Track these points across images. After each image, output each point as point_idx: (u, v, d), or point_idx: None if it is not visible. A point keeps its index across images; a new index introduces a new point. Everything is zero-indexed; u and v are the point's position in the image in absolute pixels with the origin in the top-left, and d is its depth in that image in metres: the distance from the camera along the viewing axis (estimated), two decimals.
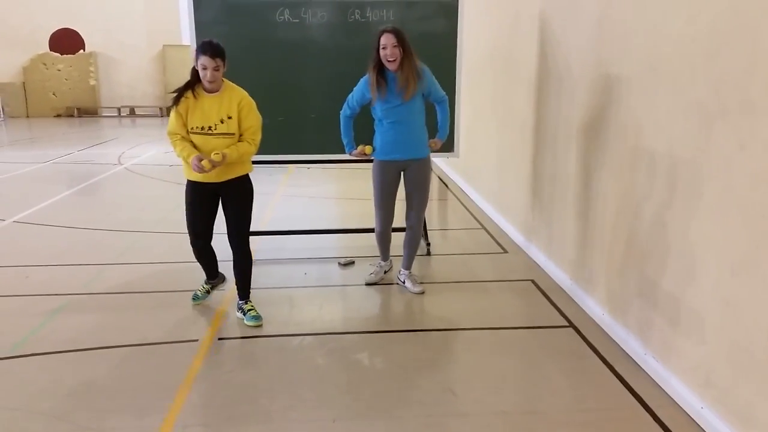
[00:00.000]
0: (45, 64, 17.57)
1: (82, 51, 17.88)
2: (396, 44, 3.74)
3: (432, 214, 6.65)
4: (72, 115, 17.64)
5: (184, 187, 3.71)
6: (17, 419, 2.74)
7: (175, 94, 3.52)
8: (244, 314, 3.75)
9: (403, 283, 4.34)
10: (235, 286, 3.84)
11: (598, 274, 3.75)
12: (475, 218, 6.39)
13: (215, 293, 4.15)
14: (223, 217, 3.71)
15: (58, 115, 17.65)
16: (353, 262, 4.86)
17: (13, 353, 3.36)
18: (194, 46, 4.54)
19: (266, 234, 5.28)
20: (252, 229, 3.83)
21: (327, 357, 3.35)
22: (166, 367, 3.22)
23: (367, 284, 4.36)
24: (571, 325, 3.73)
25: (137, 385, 3.04)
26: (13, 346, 3.43)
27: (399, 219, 4.29)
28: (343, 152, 4.20)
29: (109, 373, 3.15)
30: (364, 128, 4.09)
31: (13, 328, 3.66)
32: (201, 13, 4.69)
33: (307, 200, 7.39)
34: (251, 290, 3.85)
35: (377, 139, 4.04)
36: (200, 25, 4.66)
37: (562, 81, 4.30)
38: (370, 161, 4.14)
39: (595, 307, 3.76)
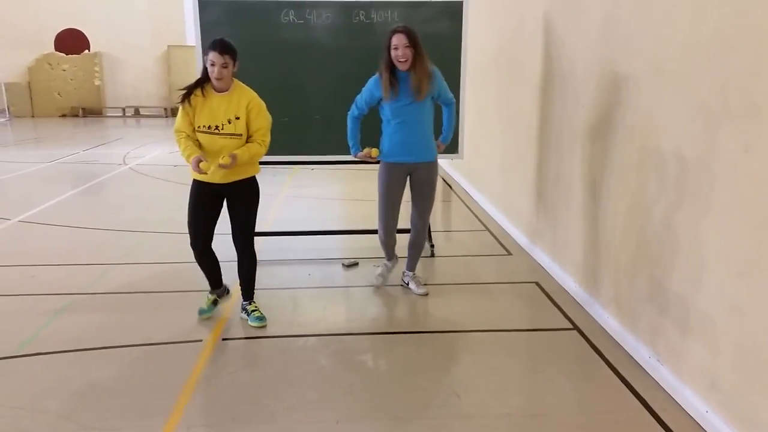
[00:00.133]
0: (50, 64, 17.62)
1: (87, 51, 17.93)
2: (408, 44, 3.70)
3: (436, 215, 6.65)
4: (77, 115, 17.69)
5: (189, 187, 3.70)
6: (22, 418, 2.75)
7: (184, 91, 3.49)
8: (248, 315, 3.75)
9: (407, 284, 4.33)
10: (240, 287, 3.84)
11: (602, 276, 3.74)
12: (479, 220, 6.39)
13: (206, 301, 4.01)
14: (227, 218, 3.69)
15: (63, 115, 17.70)
16: (357, 264, 4.86)
17: (18, 352, 3.37)
18: (200, 46, 4.57)
19: (270, 235, 5.29)
20: (256, 229, 3.80)
21: (331, 358, 3.35)
22: (171, 368, 3.23)
23: (375, 286, 4.34)
24: (576, 327, 3.72)
25: (141, 385, 3.04)
26: (17, 346, 3.44)
27: (404, 220, 4.29)
28: (347, 153, 4.14)
29: (113, 373, 3.16)
30: (370, 130, 4.06)
31: (18, 328, 3.68)
32: (206, 13, 4.70)
33: (311, 201, 7.39)
34: (255, 291, 3.86)
35: (385, 140, 3.98)
36: (205, 25, 4.67)
37: (567, 82, 4.29)
38: (377, 163, 4.10)
39: (599, 310, 3.76)
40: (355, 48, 4.80)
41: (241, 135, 3.49)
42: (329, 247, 5.31)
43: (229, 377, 3.14)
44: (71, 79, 17.74)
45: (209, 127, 3.47)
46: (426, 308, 4.09)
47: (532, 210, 5.11)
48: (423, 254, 4.46)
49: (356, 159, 4.14)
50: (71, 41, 17.83)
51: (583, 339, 3.57)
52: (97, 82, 17.94)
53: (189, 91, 3.48)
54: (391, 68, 3.79)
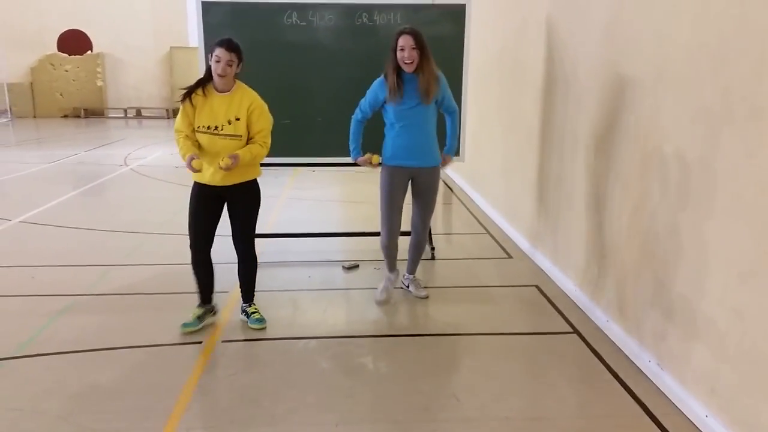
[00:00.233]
0: (52, 65, 17.64)
1: (89, 52, 17.95)
2: (414, 46, 3.65)
3: (437, 218, 6.65)
4: (79, 116, 17.70)
5: (190, 188, 3.69)
6: (21, 419, 2.75)
7: (185, 91, 3.47)
8: (248, 317, 3.74)
9: (408, 287, 4.33)
10: (240, 289, 3.84)
11: (603, 280, 3.74)
12: (479, 223, 6.38)
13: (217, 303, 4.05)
14: (228, 220, 3.68)
15: (65, 116, 17.71)
16: (358, 266, 4.86)
17: (18, 353, 3.37)
18: (202, 48, 4.58)
19: (271, 237, 5.29)
20: (257, 231, 3.78)
21: (331, 360, 3.35)
22: (171, 370, 3.22)
23: (378, 303, 4.12)
24: (576, 331, 3.72)
25: (141, 386, 3.04)
26: (18, 347, 3.44)
27: (404, 223, 4.28)
28: (349, 155, 4.10)
29: (113, 374, 3.16)
30: (373, 134, 4.00)
31: (18, 329, 3.67)
32: (209, 15, 4.70)
33: (312, 203, 7.39)
34: (255, 293, 3.85)
35: (387, 144, 3.92)
36: (208, 27, 4.67)
37: (569, 85, 4.29)
38: (378, 164, 4.05)
39: (600, 314, 3.75)
40: (358, 50, 4.80)
41: (241, 136, 3.46)
42: (330, 249, 5.31)
43: (229, 379, 3.13)
44: (73, 80, 17.76)
45: (209, 128, 3.44)
46: (426, 311, 4.08)
47: (534, 213, 5.11)
48: (423, 257, 4.46)
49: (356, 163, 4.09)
50: (74, 42, 17.85)
51: (583, 343, 3.56)
52: (99, 83, 17.96)
53: (190, 91, 3.46)
54: (397, 70, 3.73)
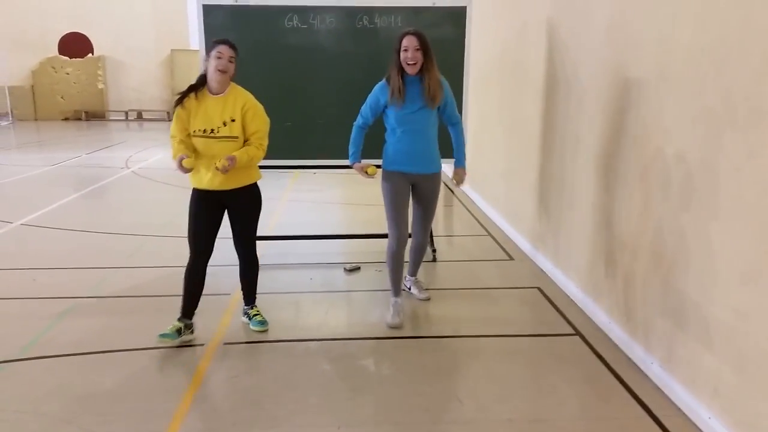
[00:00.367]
0: (54, 68, 17.68)
1: (90, 55, 17.99)
2: (418, 47, 3.59)
3: (438, 220, 6.65)
4: (80, 119, 17.74)
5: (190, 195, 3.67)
6: (24, 422, 2.75)
7: (178, 97, 3.46)
8: (250, 319, 3.74)
9: (409, 289, 4.33)
10: (241, 292, 3.84)
11: (605, 282, 3.73)
12: (481, 225, 6.38)
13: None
14: (228, 222, 3.65)
15: (66, 119, 17.74)
16: (359, 268, 4.85)
17: (20, 356, 3.37)
18: (203, 51, 4.58)
19: (272, 239, 5.29)
20: (258, 234, 3.77)
21: (332, 363, 3.35)
22: (172, 372, 3.23)
23: (393, 327, 3.80)
24: (578, 333, 3.71)
25: (143, 389, 3.04)
26: (20, 349, 3.44)
27: None
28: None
29: (115, 377, 3.15)
30: (374, 139, 3.94)
31: (20, 331, 3.68)
32: (210, 18, 4.71)
33: (312, 205, 7.40)
34: (257, 295, 3.85)
35: (388, 149, 3.84)
36: (209, 29, 4.67)
37: (570, 87, 4.29)
38: (379, 166, 4.02)
39: (601, 315, 3.75)
40: (359, 53, 4.81)
41: (237, 138, 3.42)
42: (331, 252, 5.31)
43: (231, 382, 3.13)
44: (74, 83, 17.79)
45: (204, 131, 3.41)
46: (428, 313, 4.08)
47: (535, 215, 5.10)
48: (425, 259, 4.46)
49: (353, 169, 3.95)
50: (75, 45, 17.89)
51: (585, 344, 3.56)
52: (100, 86, 17.98)
53: (183, 96, 3.44)
54: (400, 73, 3.66)
